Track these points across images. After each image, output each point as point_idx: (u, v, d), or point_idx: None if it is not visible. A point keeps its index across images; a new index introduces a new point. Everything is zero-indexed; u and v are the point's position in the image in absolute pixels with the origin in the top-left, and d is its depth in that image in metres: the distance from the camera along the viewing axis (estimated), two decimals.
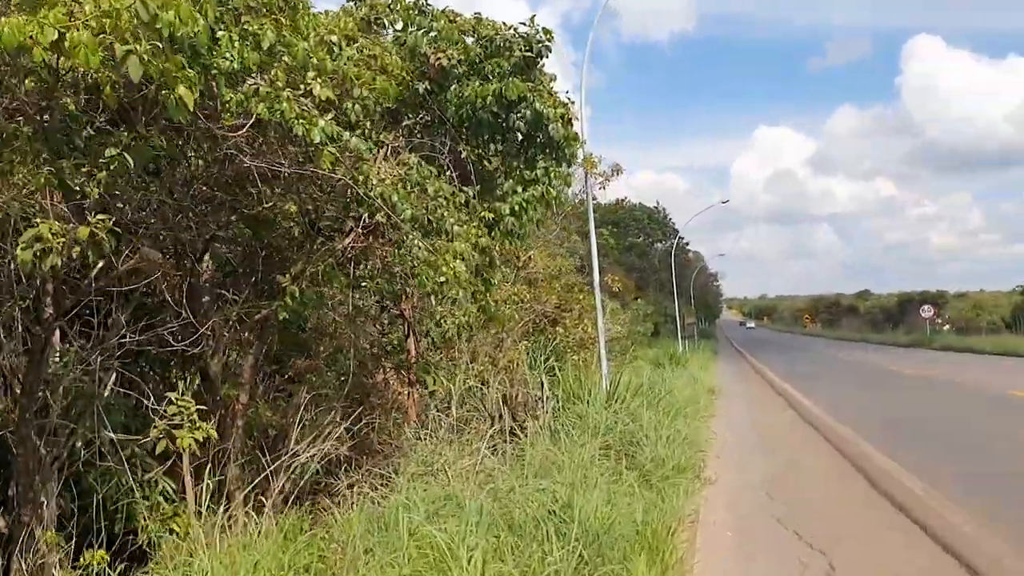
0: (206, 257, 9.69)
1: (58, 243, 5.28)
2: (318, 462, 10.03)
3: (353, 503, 8.85)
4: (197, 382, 9.38)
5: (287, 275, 8.97)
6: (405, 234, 8.55)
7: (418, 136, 9.75)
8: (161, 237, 8.44)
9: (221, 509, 8.86)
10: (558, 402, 13.38)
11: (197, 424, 7.70)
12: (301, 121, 7.45)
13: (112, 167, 5.87)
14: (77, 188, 5.84)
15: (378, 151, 9.41)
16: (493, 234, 9.66)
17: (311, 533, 7.45)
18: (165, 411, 7.64)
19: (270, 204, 8.37)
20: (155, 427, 7.63)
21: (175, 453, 8.63)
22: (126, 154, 5.91)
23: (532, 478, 9.88)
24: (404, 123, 9.67)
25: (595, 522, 7.23)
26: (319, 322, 13.03)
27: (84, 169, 5.83)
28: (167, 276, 8.64)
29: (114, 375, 8.19)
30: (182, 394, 8.48)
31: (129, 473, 8.72)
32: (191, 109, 6.23)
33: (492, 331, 15.53)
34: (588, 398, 13.79)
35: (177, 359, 9.38)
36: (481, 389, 13.76)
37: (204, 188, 8.72)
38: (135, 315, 8.55)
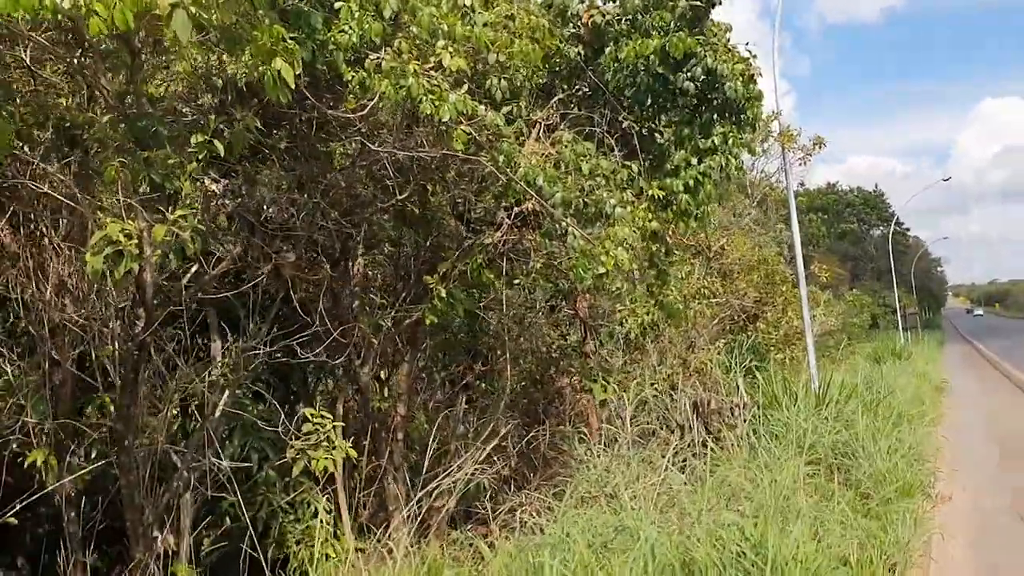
0: (359, 261, 9.02)
1: (132, 245, 4.54)
2: (483, 478, 9.11)
3: (512, 531, 7.84)
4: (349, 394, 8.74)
5: (435, 275, 8.08)
6: (556, 221, 7.41)
7: (574, 109, 8.57)
8: (302, 240, 7.75)
9: (379, 532, 8.17)
10: (759, 408, 11.76)
11: (335, 443, 6.92)
12: (430, 97, 6.50)
13: (200, 157, 5.11)
14: (166, 183, 5.11)
15: (530, 131, 8.35)
16: (665, 216, 8.31)
17: (456, 572, 6.47)
18: (299, 430, 6.92)
19: (406, 196, 7.47)
20: (291, 447, 6.91)
21: (329, 472, 8.01)
22: (216, 141, 5.12)
23: (725, 501, 8.49)
24: (557, 97, 8.52)
25: (795, 567, 5.75)
26: (498, 326, 12.09)
27: (171, 161, 5.09)
28: (308, 282, 7.95)
29: (244, 389, 7.54)
30: (332, 408, 7.80)
31: (277, 495, 8.17)
32: (292, 87, 5.43)
33: (681, 330, 14.08)
34: (794, 403, 12.07)
35: (326, 371, 8.72)
36: (670, 395, 12.41)
37: (343, 185, 7.99)
38: (277, 325, 7.96)
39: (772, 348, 16.46)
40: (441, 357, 11.46)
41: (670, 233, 8.79)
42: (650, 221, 8.23)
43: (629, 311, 13.43)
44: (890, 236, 54.91)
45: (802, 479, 8.72)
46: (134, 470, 5.66)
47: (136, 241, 4.53)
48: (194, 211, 4.98)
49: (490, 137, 7.06)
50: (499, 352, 12.25)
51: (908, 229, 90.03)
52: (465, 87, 6.79)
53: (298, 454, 6.85)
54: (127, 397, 5.52)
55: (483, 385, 11.72)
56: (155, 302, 5.51)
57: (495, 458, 9.75)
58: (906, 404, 15.37)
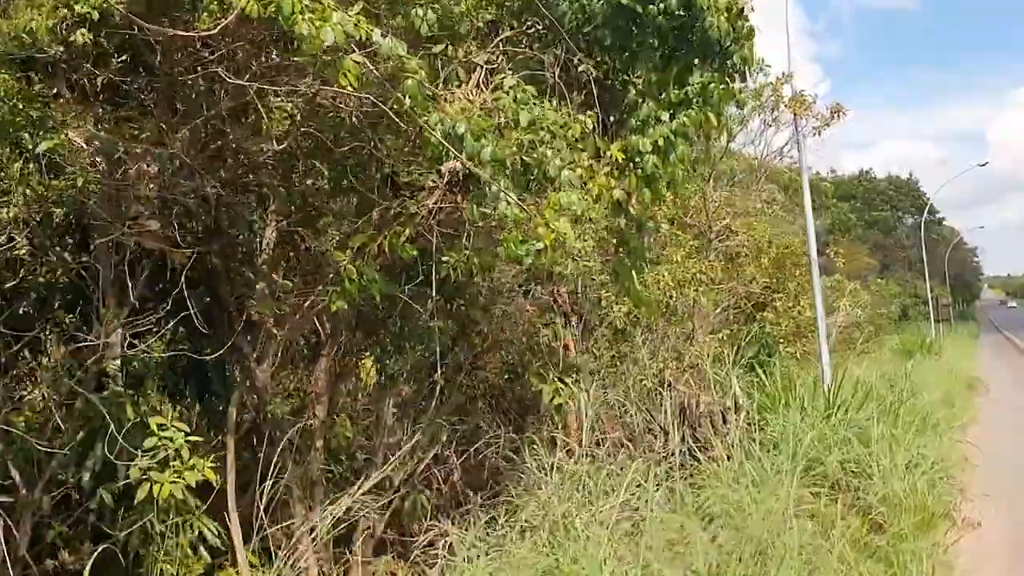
0: (269, 232, 7.57)
1: None
2: (409, 496, 7.67)
3: (430, 567, 6.39)
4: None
5: (346, 250, 6.60)
6: (486, 184, 5.90)
7: (524, 51, 7.01)
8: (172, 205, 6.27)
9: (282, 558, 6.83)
10: (754, 411, 10.17)
11: (188, 462, 5.48)
12: (308, 16, 5.01)
13: None
14: None
15: (468, 76, 6.83)
16: (628, 182, 6.73)
17: None
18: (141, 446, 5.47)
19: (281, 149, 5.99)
20: (135, 466, 5.47)
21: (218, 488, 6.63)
22: None
23: (703, 527, 7.01)
24: (503, 35, 6.97)
25: None
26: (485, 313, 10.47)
27: None
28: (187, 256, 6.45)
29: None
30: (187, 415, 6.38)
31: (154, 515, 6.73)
32: None
33: (675, 320, 12.50)
34: (799, 406, 10.45)
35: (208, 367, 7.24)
36: (659, 394, 10.87)
37: (230, 138, 6.52)
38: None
39: (782, 340, 14.81)
40: (394, 350, 9.93)
41: (634, 203, 7.14)
42: (613, 189, 6.68)
43: (617, 298, 11.91)
44: (922, 224, 52.57)
45: (795, 504, 7.17)
46: None
47: None
48: None
49: (393, 73, 5.54)
50: (479, 344, 10.72)
51: (943, 218, 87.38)
52: (359, 5, 5.30)
53: (143, 475, 5.41)
54: None
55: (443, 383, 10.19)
56: None
57: (436, 471, 8.29)
58: (933, 406, 13.69)
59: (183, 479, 5.38)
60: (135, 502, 5.50)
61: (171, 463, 5.39)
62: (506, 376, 11.48)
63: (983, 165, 58.79)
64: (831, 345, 16.86)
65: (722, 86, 6.78)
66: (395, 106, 5.56)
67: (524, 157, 6.03)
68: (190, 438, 5.49)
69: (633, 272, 7.51)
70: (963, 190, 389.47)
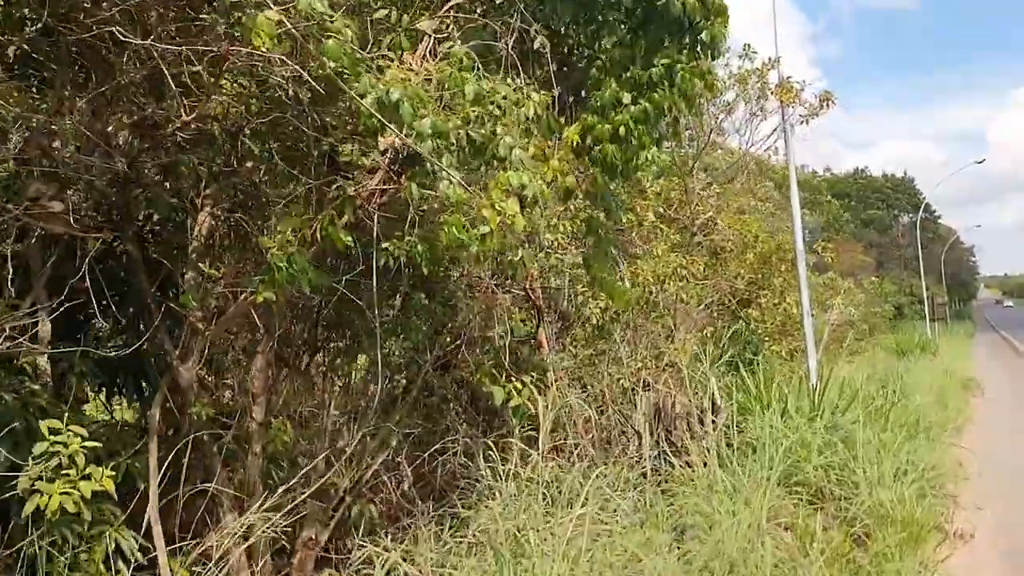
0: (202, 217, 6.94)
1: None
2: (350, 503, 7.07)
3: None
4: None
5: (274, 235, 5.98)
6: (426, 161, 5.30)
7: (477, 18, 6.40)
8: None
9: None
10: (739, 413, 9.60)
11: (84, 470, 4.87)
12: None
13: None
14: None
15: (414, 46, 6.22)
16: (583, 166, 6.12)
17: None
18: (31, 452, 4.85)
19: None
20: (26, 475, 4.85)
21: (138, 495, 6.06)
22: None
23: (671, 540, 6.46)
24: (454, 1, 6.35)
25: None
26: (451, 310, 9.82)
27: None
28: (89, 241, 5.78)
29: None
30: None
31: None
32: None
33: (655, 316, 11.89)
34: (783, 407, 9.87)
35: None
36: (635, 394, 10.28)
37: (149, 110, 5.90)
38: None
39: (767, 339, 14.20)
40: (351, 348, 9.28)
41: (582, 186, 6.52)
42: (567, 175, 6.08)
43: (592, 293, 11.33)
44: (918, 221, 52.04)
45: (772, 514, 6.59)
46: None
47: None
48: None
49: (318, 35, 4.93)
50: (448, 342, 10.07)
51: (939, 216, 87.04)
52: None
53: (32, 486, 4.81)
54: None
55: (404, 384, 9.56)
56: None
57: (386, 479, 7.69)
58: (926, 408, 13.13)
59: (78, 489, 4.78)
60: (22, 515, 4.88)
61: (65, 471, 4.78)
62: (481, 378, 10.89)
63: (980, 163, 57.85)
64: (823, 344, 16.31)
65: (690, 65, 6.15)
66: (319, 70, 4.96)
67: (471, 132, 5.42)
68: (87, 444, 4.87)
69: (606, 263, 6.91)
70: (962, 188, 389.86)
